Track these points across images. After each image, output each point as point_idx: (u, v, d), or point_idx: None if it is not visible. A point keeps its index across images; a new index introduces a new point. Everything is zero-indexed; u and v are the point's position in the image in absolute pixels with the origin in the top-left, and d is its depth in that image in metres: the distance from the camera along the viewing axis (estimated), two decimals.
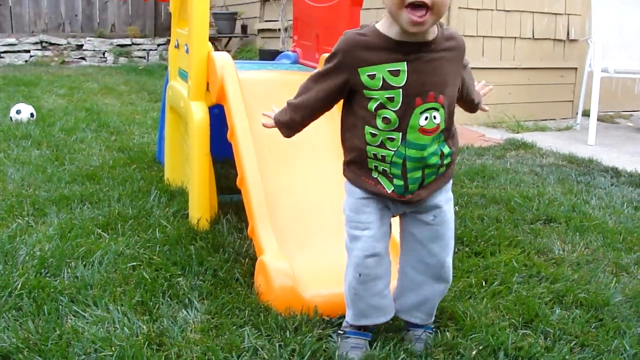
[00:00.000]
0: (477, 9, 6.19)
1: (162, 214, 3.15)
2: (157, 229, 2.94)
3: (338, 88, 1.87)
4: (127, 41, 11.74)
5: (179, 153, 3.56)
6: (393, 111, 1.80)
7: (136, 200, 3.34)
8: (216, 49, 3.08)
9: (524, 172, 4.36)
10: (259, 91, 3.03)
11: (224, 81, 2.85)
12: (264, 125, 2.11)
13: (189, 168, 3.13)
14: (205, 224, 2.97)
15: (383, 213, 1.94)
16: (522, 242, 3.00)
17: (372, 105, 1.81)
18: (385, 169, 1.86)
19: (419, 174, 1.87)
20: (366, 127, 1.84)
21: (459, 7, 6.03)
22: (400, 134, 1.82)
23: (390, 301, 2.03)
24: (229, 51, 9.61)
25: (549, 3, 6.53)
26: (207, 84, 3.02)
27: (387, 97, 1.79)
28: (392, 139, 1.82)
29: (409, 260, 2.02)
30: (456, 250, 2.67)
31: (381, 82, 1.78)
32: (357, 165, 1.92)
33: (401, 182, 1.87)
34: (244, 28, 10.23)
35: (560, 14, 6.63)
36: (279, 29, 8.49)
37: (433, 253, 1.98)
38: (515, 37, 6.45)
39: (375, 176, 1.90)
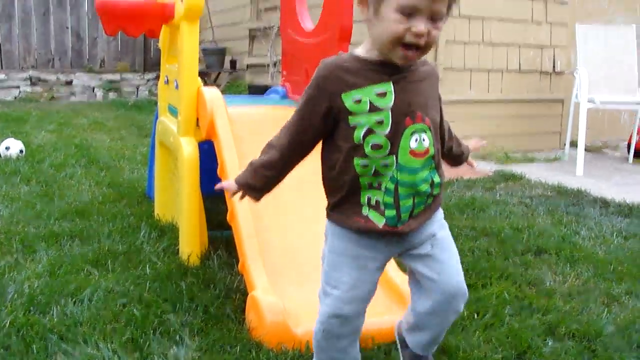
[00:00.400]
0: (465, 43, 6.25)
1: (152, 250, 3.14)
2: (147, 265, 2.92)
3: (321, 118, 1.74)
4: (117, 77, 11.78)
5: (169, 188, 3.56)
6: (383, 135, 1.70)
7: (126, 236, 3.33)
8: (205, 84, 3.10)
9: (513, 203, 4.38)
10: (249, 126, 3.04)
11: (214, 116, 2.87)
12: (225, 190, 1.93)
13: (179, 203, 3.12)
14: (195, 260, 2.96)
15: (363, 273, 1.81)
16: (514, 274, 3.00)
17: (359, 134, 1.70)
18: (379, 199, 1.75)
19: (410, 202, 1.77)
20: (355, 159, 1.73)
21: (447, 41, 6.09)
22: (394, 157, 1.72)
23: (355, 356, 1.93)
24: (218, 86, 9.66)
25: (534, 36, 6.60)
26: (197, 119, 3.04)
27: (376, 121, 1.69)
28: (386, 165, 1.72)
29: (420, 298, 1.91)
30: None
31: (368, 105, 1.70)
32: (346, 204, 1.79)
33: (393, 212, 1.76)
34: (233, 63, 10.29)
35: (546, 46, 6.70)
36: (268, 64, 8.55)
37: (440, 284, 1.84)
38: (502, 70, 6.51)
39: (365, 213, 1.77)
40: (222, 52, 10.25)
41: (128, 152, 5.94)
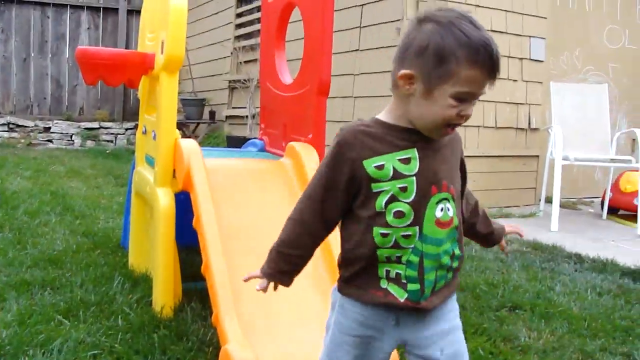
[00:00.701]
0: None
1: (125, 301, 3.10)
2: (119, 316, 2.89)
3: (344, 187, 1.63)
4: (95, 125, 11.79)
5: (144, 239, 3.54)
6: (406, 203, 1.60)
7: (99, 286, 3.30)
8: (184, 134, 3.12)
9: (489, 259, 4.39)
10: (226, 178, 3.04)
11: (191, 168, 2.87)
12: (257, 286, 1.77)
13: (154, 254, 3.10)
14: (169, 312, 2.93)
15: (366, 357, 1.70)
16: (488, 330, 3.00)
17: (382, 201, 1.60)
18: (399, 272, 1.62)
19: (433, 275, 1.65)
20: (374, 228, 1.61)
21: None
22: (417, 227, 1.61)
23: None
24: (196, 137, 9.70)
25: (510, 93, 6.70)
26: (174, 170, 3.04)
27: (399, 187, 1.59)
28: (407, 236, 1.61)
29: None
30: None
31: (391, 171, 1.60)
32: (363, 277, 1.66)
33: (417, 286, 1.63)
34: (212, 114, 10.34)
35: (521, 103, 6.80)
36: (247, 116, 8.60)
37: None
38: (478, 126, 6.58)
39: (384, 286, 1.64)
40: (201, 103, 10.31)
41: (104, 201, 5.91)
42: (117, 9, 12.47)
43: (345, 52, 6.65)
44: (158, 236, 2.98)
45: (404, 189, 1.60)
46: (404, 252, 1.62)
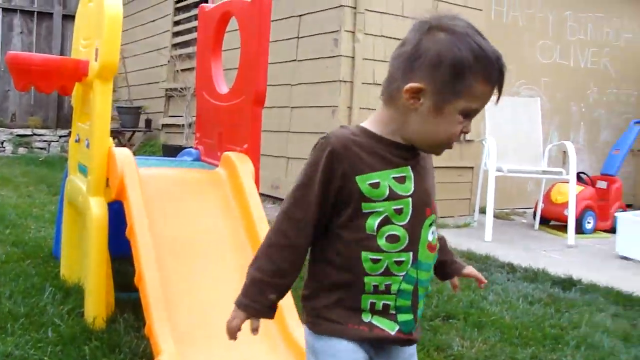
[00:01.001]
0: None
1: (56, 312, 3.03)
2: (50, 328, 2.82)
3: (334, 202, 1.45)
4: (28, 131, 11.53)
5: (76, 249, 3.47)
6: (401, 226, 1.45)
7: (29, 298, 3.21)
8: (119, 143, 3.08)
9: None
10: (160, 188, 3.02)
11: (124, 177, 2.83)
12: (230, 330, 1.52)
13: (86, 264, 3.05)
14: (101, 323, 2.88)
15: None
16: (422, 339, 3.02)
17: (373, 222, 1.43)
18: (388, 303, 1.46)
19: (422, 303, 1.54)
20: (363, 253, 1.44)
21: (360, 108, 6.20)
22: (411, 253, 1.47)
23: None
24: (132, 145, 9.58)
25: None
26: (107, 179, 2.99)
27: (394, 209, 1.44)
28: (400, 262, 1.46)
29: None
30: None
31: (387, 191, 1.44)
32: (339, 310, 1.47)
33: (409, 317, 1.50)
34: (148, 122, 10.23)
35: None
36: (183, 125, 8.53)
37: None
38: None
39: (367, 319, 1.46)
40: (137, 111, 10.18)
41: (36, 210, 5.77)
42: (52, 14, 12.23)
43: (283, 62, 6.66)
44: (90, 246, 2.93)
45: (399, 211, 1.45)
46: (394, 280, 1.46)
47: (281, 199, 6.55)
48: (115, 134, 8.89)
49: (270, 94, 3.27)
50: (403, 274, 1.46)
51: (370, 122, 1.51)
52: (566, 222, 5.97)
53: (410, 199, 1.46)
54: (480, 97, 1.43)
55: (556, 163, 7.34)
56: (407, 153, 1.49)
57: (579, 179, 6.76)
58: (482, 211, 6.19)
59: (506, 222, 6.96)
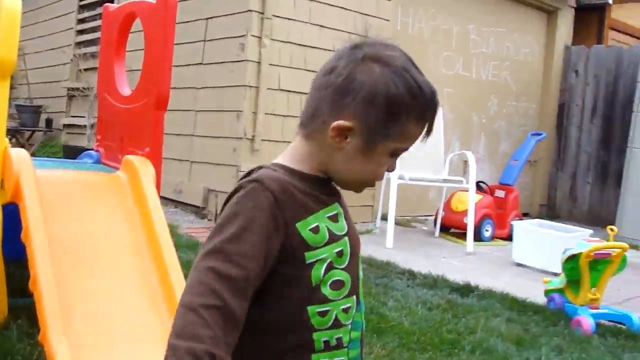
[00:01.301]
0: (284, 116, 6.40)
1: None
2: None
3: (276, 258, 1.24)
4: None
5: None
6: (342, 269, 1.30)
7: None
8: (18, 142, 2.98)
9: None
10: (57, 190, 2.94)
11: (20, 178, 2.75)
12: None
13: None
14: None
15: None
16: None
17: (319, 272, 1.25)
18: (341, 359, 1.30)
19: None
20: (309, 308, 1.25)
21: (266, 114, 6.20)
22: (354, 297, 1.33)
23: None
24: (31, 145, 9.27)
25: None
26: (2, 180, 2.90)
27: (336, 252, 1.28)
28: (347, 309, 1.30)
29: None
30: None
31: (327, 234, 1.28)
32: None
33: None
34: (48, 122, 9.92)
35: None
36: (85, 126, 8.33)
37: None
38: None
39: None
40: (37, 110, 9.86)
41: None
42: None
43: (188, 65, 6.59)
44: None
45: (340, 254, 1.30)
46: (344, 331, 1.30)
47: (184, 203, 6.48)
48: (13, 133, 8.56)
49: (175, 97, 3.23)
50: (350, 321, 1.31)
51: (288, 159, 1.33)
52: (466, 229, 6.13)
53: (347, 238, 1.32)
54: (411, 137, 1.31)
55: (457, 172, 7.51)
56: (329, 188, 1.35)
57: (479, 188, 6.94)
58: (384, 218, 6.27)
59: (407, 229, 7.08)
